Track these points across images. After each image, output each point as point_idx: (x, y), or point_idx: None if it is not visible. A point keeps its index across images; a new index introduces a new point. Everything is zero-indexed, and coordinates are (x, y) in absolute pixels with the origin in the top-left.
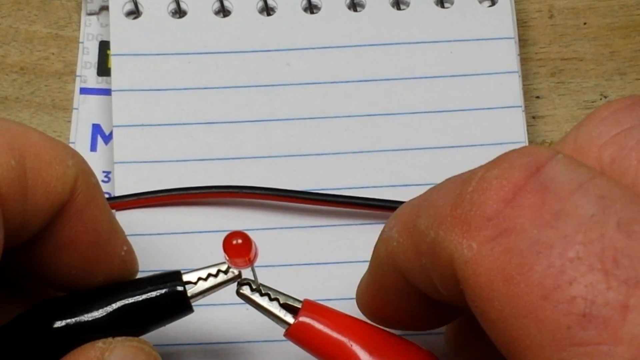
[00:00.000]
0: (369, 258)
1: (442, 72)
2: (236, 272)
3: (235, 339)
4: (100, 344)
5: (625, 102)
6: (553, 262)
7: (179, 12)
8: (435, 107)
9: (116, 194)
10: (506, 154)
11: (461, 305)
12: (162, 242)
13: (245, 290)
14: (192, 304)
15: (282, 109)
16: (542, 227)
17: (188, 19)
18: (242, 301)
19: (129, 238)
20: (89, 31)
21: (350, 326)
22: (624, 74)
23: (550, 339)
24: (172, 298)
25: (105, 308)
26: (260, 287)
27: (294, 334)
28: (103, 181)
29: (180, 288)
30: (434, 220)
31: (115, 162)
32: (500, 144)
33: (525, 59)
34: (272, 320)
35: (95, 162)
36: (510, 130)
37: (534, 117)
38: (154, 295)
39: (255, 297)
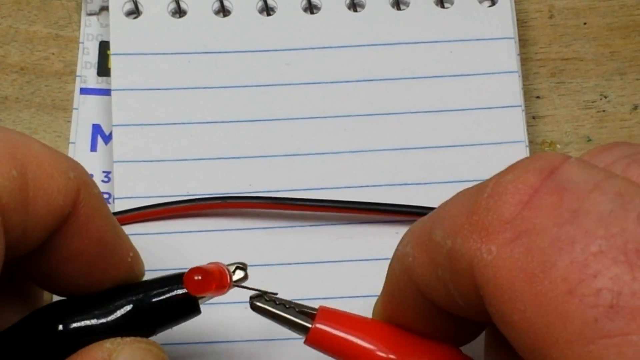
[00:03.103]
0: (368, 256)
1: (442, 72)
2: (242, 275)
3: (235, 338)
4: (108, 344)
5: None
6: (576, 257)
7: (179, 12)
8: (435, 107)
9: (116, 194)
10: (518, 161)
11: (479, 318)
12: (161, 242)
13: (260, 302)
14: (200, 305)
15: (282, 108)
16: (562, 225)
17: (188, 18)
18: (243, 300)
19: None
20: (89, 31)
21: (368, 327)
22: (624, 74)
23: (577, 333)
24: (180, 300)
25: (113, 310)
26: (274, 299)
27: (313, 339)
28: (103, 181)
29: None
30: (450, 229)
31: (115, 162)
32: (500, 143)
33: (525, 59)
34: (290, 329)
35: (95, 162)
36: (510, 130)
37: (534, 117)
38: (162, 297)
39: (271, 307)
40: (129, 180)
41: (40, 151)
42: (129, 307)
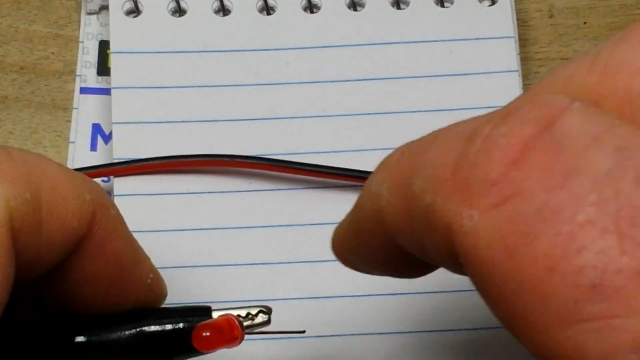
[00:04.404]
0: None
1: (442, 71)
2: (265, 318)
3: None
4: None
5: None
6: (561, 229)
7: (179, 11)
8: (435, 106)
9: (115, 192)
10: (517, 105)
11: (455, 272)
12: (160, 240)
13: None
14: None
15: (282, 107)
16: (551, 189)
17: (188, 17)
18: (242, 299)
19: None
20: (89, 30)
21: None
22: None
23: (555, 315)
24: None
25: (129, 331)
26: None
27: None
28: (103, 181)
29: None
30: (431, 183)
31: (115, 159)
32: None
33: (525, 59)
34: None
35: (95, 162)
36: None
37: None
38: (181, 327)
39: None
40: (128, 177)
41: (55, 173)
42: (146, 331)
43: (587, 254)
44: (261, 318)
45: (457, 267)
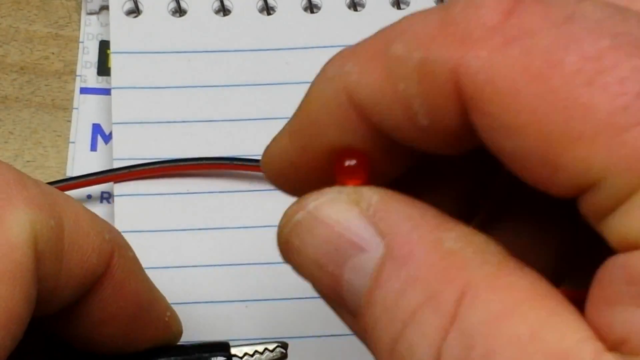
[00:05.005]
0: None
1: None
2: (283, 353)
3: (234, 337)
4: None
5: None
6: (587, 52)
7: (179, 11)
8: None
9: (115, 192)
10: None
11: (437, 144)
12: (160, 240)
13: None
14: None
15: (282, 107)
16: (560, 25)
17: (188, 17)
18: (242, 299)
19: (127, 235)
20: (89, 31)
21: None
22: None
23: (606, 122)
24: None
25: None
26: None
27: None
28: None
29: None
30: (417, 42)
31: (115, 159)
32: None
33: None
34: None
35: (95, 162)
36: None
37: None
38: None
39: None
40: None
41: (78, 209)
42: None
43: (622, 69)
44: (278, 353)
45: (447, 127)
